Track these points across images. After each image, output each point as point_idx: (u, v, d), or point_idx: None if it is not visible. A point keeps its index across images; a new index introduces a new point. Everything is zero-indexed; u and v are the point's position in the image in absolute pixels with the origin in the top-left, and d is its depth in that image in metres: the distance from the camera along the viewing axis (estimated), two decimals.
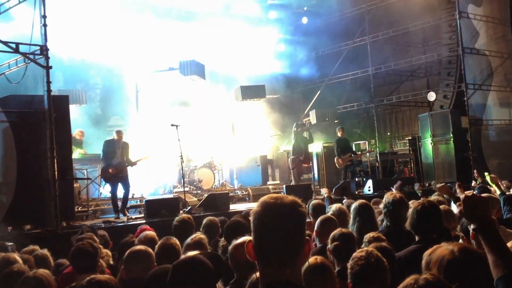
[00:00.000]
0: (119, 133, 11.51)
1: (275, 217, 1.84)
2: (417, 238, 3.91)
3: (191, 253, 3.42)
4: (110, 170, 11.08)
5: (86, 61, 14.58)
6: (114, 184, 11.22)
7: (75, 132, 14.01)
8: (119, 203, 11.21)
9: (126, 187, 11.34)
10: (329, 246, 3.97)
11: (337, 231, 4.02)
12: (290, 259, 1.84)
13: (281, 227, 1.82)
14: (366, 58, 18.38)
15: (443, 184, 6.24)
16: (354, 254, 3.25)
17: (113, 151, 11.22)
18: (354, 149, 16.25)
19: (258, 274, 1.92)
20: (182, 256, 2.60)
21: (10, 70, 10.03)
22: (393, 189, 7.32)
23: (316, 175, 16.04)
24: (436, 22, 18.39)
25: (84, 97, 14.86)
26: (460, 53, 16.60)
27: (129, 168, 11.49)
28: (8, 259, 4.67)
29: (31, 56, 9.47)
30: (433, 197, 6.26)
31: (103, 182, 12.96)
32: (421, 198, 6.03)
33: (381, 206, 6.94)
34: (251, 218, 1.90)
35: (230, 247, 3.51)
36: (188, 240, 4.59)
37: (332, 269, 3.17)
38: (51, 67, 9.47)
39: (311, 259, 3.05)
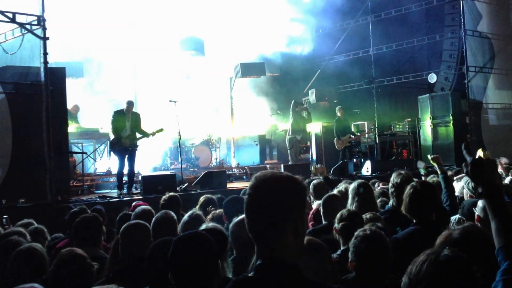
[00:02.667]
0: (130, 104, 10.89)
1: (262, 191, 1.81)
2: (414, 220, 3.83)
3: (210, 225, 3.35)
4: (121, 141, 10.57)
5: (84, 33, 14.34)
6: (122, 157, 10.69)
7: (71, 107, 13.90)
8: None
9: (132, 161, 10.80)
10: (336, 225, 3.90)
11: (345, 211, 3.96)
12: (279, 233, 1.78)
13: (268, 201, 1.79)
14: (368, 38, 18.17)
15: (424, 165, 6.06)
16: (356, 233, 3.19)
17: (123, 123, 10.68)
18: (353, 130, 16.12)
19: None
20: (185, 232, 2.53)
21: (6, 40, 9.84)
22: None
23: (314, 155, 15.93)
24: (439, 3, 18.17)
25: (81, 70, 14.69)
26: (462, 35, 16.42)
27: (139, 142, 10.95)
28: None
29: (28, 27, 9.29)
30: (432, 179, 6.14)
31: (102, 155, 12.84)
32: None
33: (378, 187, 6.95)
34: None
35: (231, 224, 3.44)
36: (186, 217, 4.52)
37: (326, 249, 3.09)
38: (48, 38, 9.29)
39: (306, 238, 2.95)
